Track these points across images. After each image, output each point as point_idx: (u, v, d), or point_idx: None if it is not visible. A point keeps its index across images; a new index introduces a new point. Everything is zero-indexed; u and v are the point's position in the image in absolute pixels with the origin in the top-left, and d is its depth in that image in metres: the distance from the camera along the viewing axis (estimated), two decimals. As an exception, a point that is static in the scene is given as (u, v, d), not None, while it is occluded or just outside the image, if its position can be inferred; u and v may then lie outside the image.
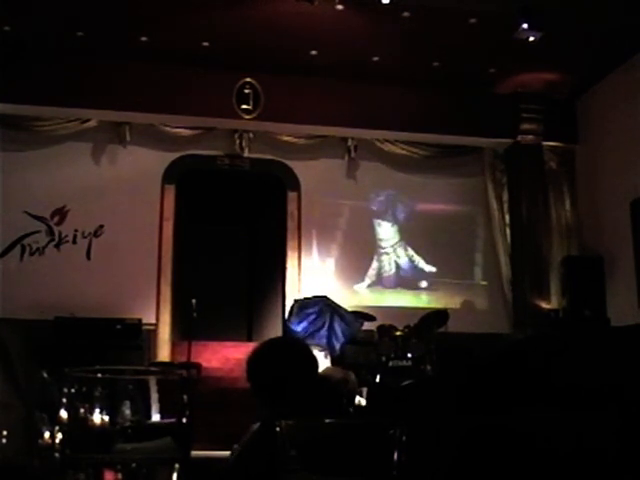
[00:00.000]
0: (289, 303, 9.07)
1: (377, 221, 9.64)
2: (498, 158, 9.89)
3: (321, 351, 7.02)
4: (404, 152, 9.57)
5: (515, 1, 7.60)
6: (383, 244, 9.59)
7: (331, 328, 7.07)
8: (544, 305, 9.22)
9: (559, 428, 1.08)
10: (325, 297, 7.66)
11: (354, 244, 9.40)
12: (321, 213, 9.44)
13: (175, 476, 0.67)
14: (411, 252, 9.65)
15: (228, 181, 9.75)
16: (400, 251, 9.64)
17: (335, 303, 7.71)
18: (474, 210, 9.83)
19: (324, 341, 7.06)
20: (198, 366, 7.87)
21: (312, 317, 7.12)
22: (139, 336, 8.22)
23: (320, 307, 7.25)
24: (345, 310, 7.78)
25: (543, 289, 9.32)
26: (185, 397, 0.69)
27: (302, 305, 7.48)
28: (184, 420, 0.69)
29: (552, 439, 1.08)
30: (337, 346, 7.17)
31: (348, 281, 9.27)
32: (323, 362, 6.98)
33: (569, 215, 9.81)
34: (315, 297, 7.68)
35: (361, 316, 7.76)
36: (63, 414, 0.68)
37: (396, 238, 9.67)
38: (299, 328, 7.05)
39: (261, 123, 9.09)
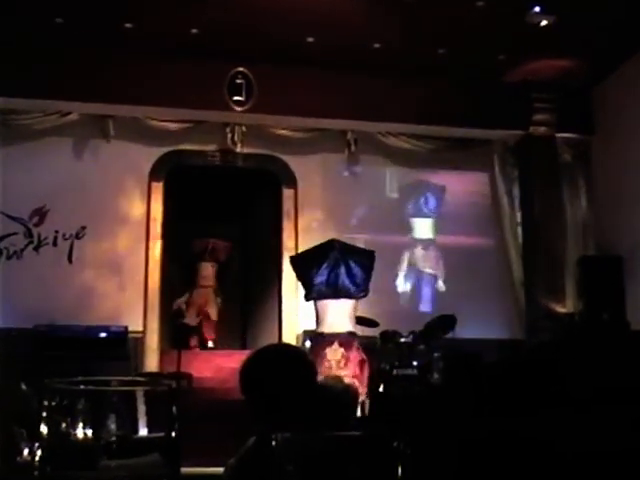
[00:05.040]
0: (286, 308, 9.09)
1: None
2: (508, 151, 9.89)
3: (352, 297, 6.98)
4: (408, 146, 9.58)
5: (526, -17, 7.61)
6: (386, 244, 9.60)
7: (349, 272, 7.02)
8: (559, 308, 9.23)
9: (576, 435, 1.08)
10: (332, 241, 7.46)
11: (355, 244, 9.41)
12: (319, 211, 9.44)
13: (164, 494, 0.67)
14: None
15: (219, 178, 9.75)
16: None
17: (342, 244, 7.49)
18: (483, 207, 9.84)
19: (350, 287, 7.01)
20: (188, 376, 7.87)
21: (326, 265, 7.04)
22: (125, 345, 8.21)
23: (332, 253, 7.16)
24: (354, 248, 7.65)
25: (558, 291, 9.33)
26: (174, 410, 0.70)
27: (309, 257, 7.36)
28: (173, 434, 0.69)
29: (570, 447, 1.08)
30: (362, 287, 7.09)
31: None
32: (351, 313, 6.89)
33: (585, 212, 9.81)
34: (319, 246, 7.51)
35: (363, 321, 7.75)
36: (43, 429, 0.68)
37: (400, 237, 9.69)
38: (318, 280, 6.99)
39: (254, 116, 9.09)
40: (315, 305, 7.11)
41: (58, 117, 8.86)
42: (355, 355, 6.72)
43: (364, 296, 7.15)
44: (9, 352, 7.13)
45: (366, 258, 7.27)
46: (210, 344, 9.90)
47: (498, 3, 7.90)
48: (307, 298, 7.20)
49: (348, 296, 6.98)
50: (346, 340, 6.68)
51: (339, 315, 6.84)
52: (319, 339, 6.80)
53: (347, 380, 6.26)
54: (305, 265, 7.27)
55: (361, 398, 6.28)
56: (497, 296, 9.54)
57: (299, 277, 7.39)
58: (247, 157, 9.35)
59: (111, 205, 8.91)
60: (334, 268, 6.99)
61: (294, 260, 7.66)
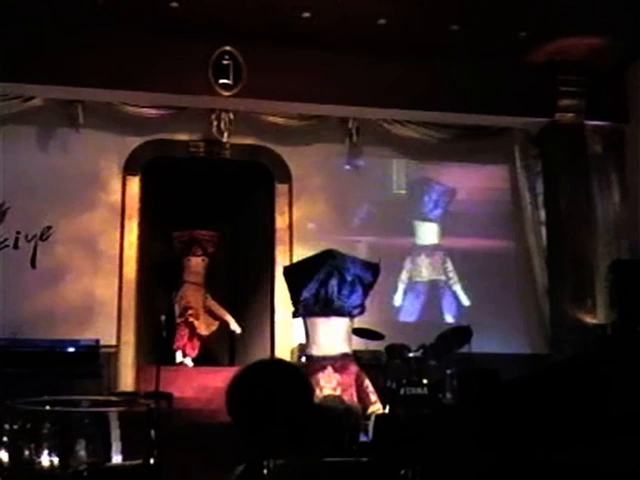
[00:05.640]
0: (279, 318, 9.09)
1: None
2: (531, 141, 9.90)
3: (344, 315, 6.90)
4: (417, 135, 9.59)
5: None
6: (392, 246, 9.62)
7: (343, 286, 6.94)
8: (588, 319, 9.24)
9: (612, 458, 1.09)
10: (329, 251, 7.39)
11: (357, 247, 9.42)
12: (317, 210, 9.45)
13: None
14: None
15: (204, 171, 9.75)
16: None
17: (341, 255, 7.42)
18: (502, 204, 9.85)
19: (343, 304, 6.93)
20: (169, 396, 7.87)
21: (317, 277, 6.97)
22: (96, 361, 8.21)
23: (326, 264, 7.10)
24: (354, 259, 7.58)
25: (587, 300, 9.34)
26: (153, 434, 0.70)
27: (302, 267, 7.33)
28: (152, 461, 0.69)
29: (604, 472, 1.08)
30: (356, 304, 7.00)
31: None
32: (345, 333, 6.84)
33: (618, 210, 9.83)
34: (314, 256, 7.45)
35: (365, 333, 7.76)
36: (3, 456, 0.68)
37: (408, 239, 9.71)
38: (307, 293, 6.94)
39: (243, 101, 9.09)
40: (304, 323, 7.08)
41: (19, 102, 8.85)
42: (352, 379, 6.67)
43: (360, 314, 7.08)
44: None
45: (367, 271, 7.20)
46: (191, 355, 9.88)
47: (519, -26, 7.92)
48: (294, 315, 7.18)
49: (340, 314, 6.92)
50: (341, 364, 6.63)
51: (330, 335, 6.78)
52: (310, 363, 6.76)
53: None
54: (296, 277, 7.24)
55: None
56: (518, 306, 9.55)
57: (289, 290, 7.36)
58: (235, 148, 9.35)
59: (80, 203, 8.90)
60: (325, 281, 6.92)
61: (286, 271, 7.64)
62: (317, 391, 6.46)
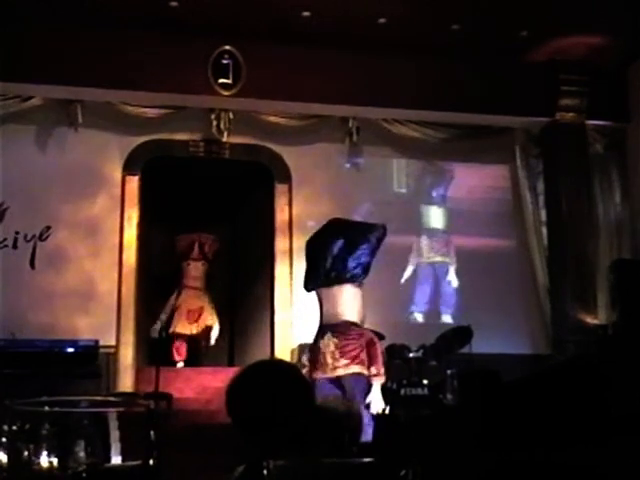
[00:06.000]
0: (279, 318, 9.08)
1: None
2: (532, 141, 9.90)
3: (344, 281, 6.76)
4: (417, 134, 9.59)
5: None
6: (393, 246, 9.61)
7: (341, 252, 6.80)
8: (590, 320, 9.23)
9: (614, 460, 1.09)
10: (330, 221, 7.26)
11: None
12: (317, 209, 9.44)
13: (140, 530, 0.68)
14: (427, 256, 9.69)
15: (203, 171, 9.75)
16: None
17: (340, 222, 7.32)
18: (503, 204, 9.85)
19: (341, 270, 6.80)
20: (168, 397, 7.87)
21: (322, 247, 6.86)
22: (95, 361, 8.20)
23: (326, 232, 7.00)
24: (353, 223, 7.49)
25: (588, 300, 9.34)
26: (152, 434, 0.70)
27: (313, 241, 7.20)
28: (151, 462, 0.69)
29: (606, 473, 1.08)
30: (354, 269, 6.85)
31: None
32: (350, 301, 6.76)
33: (619, 209, 9.83)
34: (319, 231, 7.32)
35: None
36: (2, 457, 0.68)
37: (409, 239, 9.70)
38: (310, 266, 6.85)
39: (243, 100, 9.09)
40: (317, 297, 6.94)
41: (18, 102, 8.84)
42: (355, 343, 6.51)
43: (360, 276, 6.83)
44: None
45: (370, 232, 6.97)
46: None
47: (520, -28, 7.92)
48: (306, 289, 7.04)
49: (339, 281, 6.72)
50: (343, 329, 6.50)
51: (332, 304, 6.66)
52: (315, 335, 6.69)
53: (344, 371, 6.24)
54: (307, 252, 7.13)
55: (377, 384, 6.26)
56: (519, 305, 9.55)
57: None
58: (235, 148, 9.35)
59: (79, 202, 8.90)
60: (325, 251, 6.78)
61: (305, 246, 7.43)
62: (319, 358, 6.42)
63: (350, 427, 3.65)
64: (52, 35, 8.59)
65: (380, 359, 6.42)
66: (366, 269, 6.71)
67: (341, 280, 6.64)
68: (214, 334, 9.97)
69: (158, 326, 9.49)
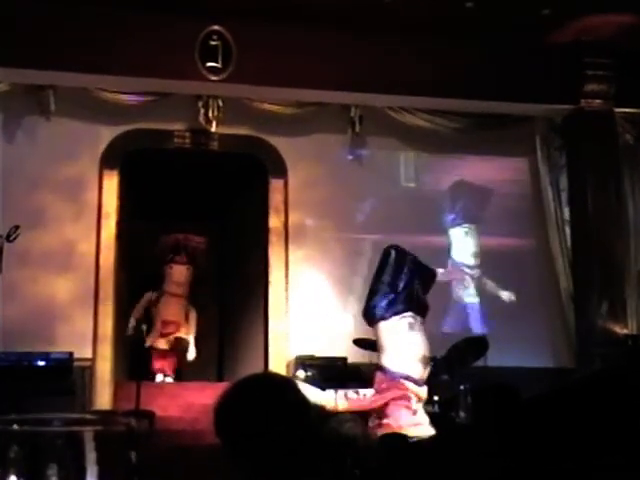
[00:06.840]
0: (273, 328, 9.09)
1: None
2: (554, 131, 9.92)
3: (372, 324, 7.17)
4: (426, 124, 9.60)
5: None
6: (400, 248, 9.62)
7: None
8: (618, 329, 9.24)
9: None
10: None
11: (360, 249, 9.43)
12: (315, 207, 9.45)
13: None
14: (438, 259, 9.70)
15: (190, 165, 9.76)
16: (423, 258, 9.69)
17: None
18: (522, 201, 9.86)
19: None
20: (150, 415, 7.86)
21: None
22: (69, 376, 8.20)
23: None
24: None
25: (617, 307, 9.34)
26: (133, 456, 0.70)
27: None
28: (131, 487, 0.69)
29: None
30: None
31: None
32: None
33: (651, 207, 9.85)
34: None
35: (366, 344, 7.78)
36: (-33, 481, 0.68)
37: (417, 240, 9.72)
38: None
39: (234, 86, 9.10)
40: None
41: (-15, 88, 8.86)
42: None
43: (371, 314, 7.18)
44: None
45: (396, 275, 7.27)
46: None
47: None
48: None
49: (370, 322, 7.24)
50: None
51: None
52: None
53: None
54: None
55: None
56: (540, 313, 9.56)
57: None
58: (224, 139, 9.35)
59: (52, 199, 8.90)
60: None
61: None
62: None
63: (355, 449, 3.65)
64: (21, 12, 8.58)
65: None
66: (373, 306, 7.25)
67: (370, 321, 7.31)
68: (191, 349, 9.78)
69: (131, 324, 9.41)
